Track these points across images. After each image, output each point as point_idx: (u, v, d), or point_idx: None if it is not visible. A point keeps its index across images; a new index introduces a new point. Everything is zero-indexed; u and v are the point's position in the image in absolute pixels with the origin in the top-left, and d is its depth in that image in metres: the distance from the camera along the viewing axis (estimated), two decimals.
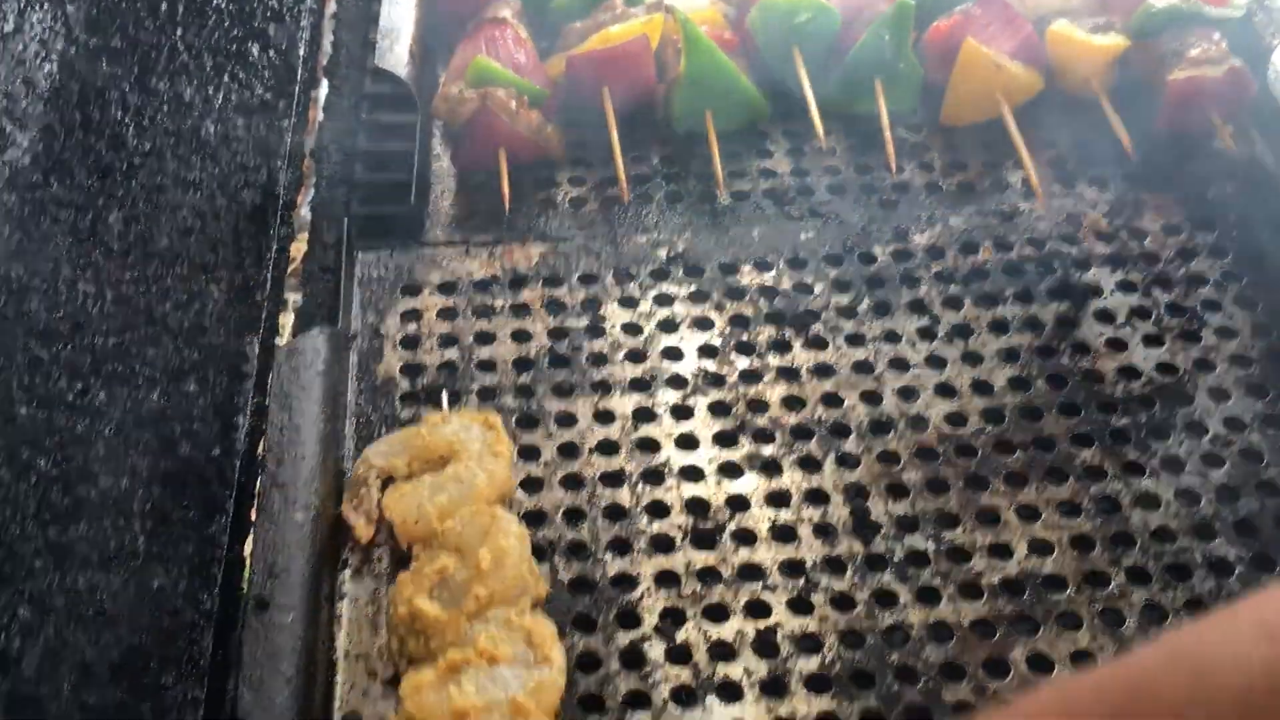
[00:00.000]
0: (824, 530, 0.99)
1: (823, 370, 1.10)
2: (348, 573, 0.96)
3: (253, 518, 0.97)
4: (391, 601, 0.91)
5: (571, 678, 0.91)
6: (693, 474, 1.03)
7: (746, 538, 0.99)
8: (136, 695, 0.88)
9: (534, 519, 0.99)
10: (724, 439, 1.05)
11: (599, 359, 1.11)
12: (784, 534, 0.99)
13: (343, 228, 1.20)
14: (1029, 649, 0.92)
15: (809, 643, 0.93)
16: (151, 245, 1.13)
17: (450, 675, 0.85)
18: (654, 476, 1.03)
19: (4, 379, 1.07)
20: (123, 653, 0.90)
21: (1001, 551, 0.98)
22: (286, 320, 1.20)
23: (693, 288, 1.17)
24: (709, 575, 0.97)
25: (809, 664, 0.92)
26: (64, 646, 0.91)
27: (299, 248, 1.27)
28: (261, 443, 1.01)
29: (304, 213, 1.30)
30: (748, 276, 1.18)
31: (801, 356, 1.11)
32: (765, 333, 1.13)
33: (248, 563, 0.96)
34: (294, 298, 1.22)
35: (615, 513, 1.01)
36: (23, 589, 0.94)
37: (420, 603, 0.88)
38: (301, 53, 1.29)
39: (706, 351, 1.12)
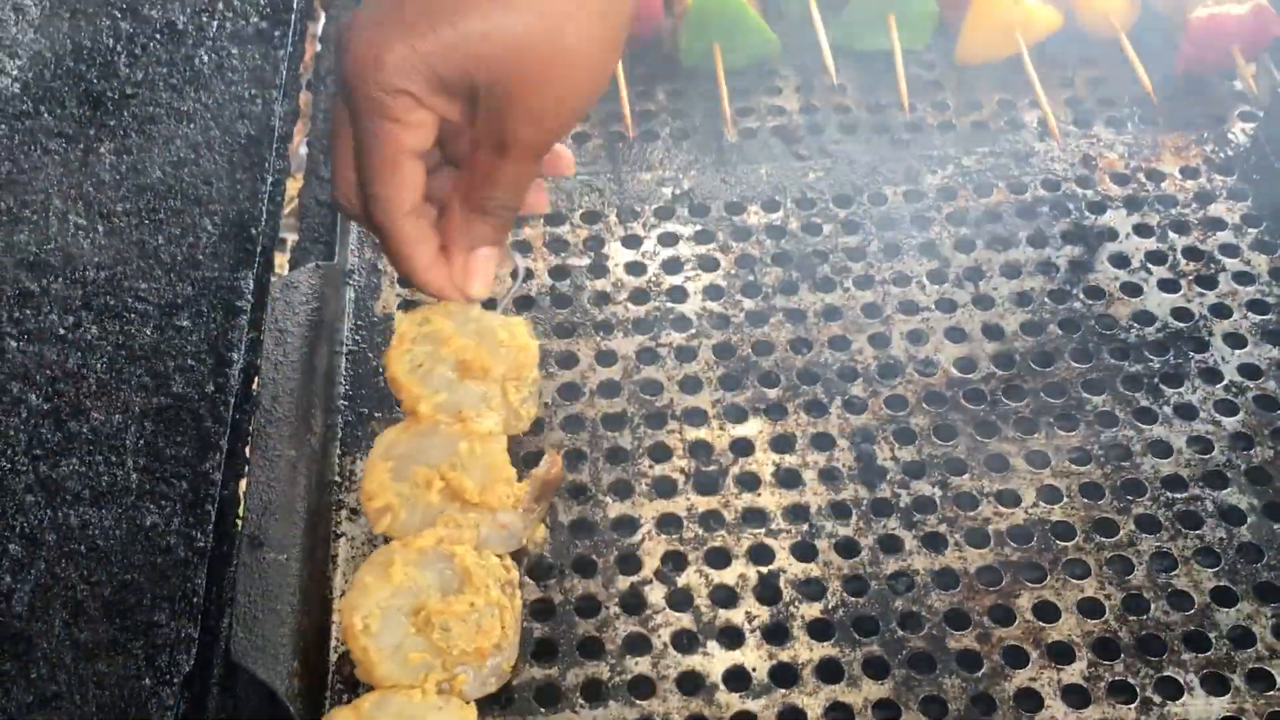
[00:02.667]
0: (829, 475, 0.97)
1: (830, 313, 1.08)
2: (344, 512, 0.94)
3: (247, 455, 0.96)
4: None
5: (570, 621, 0.89)
6: (696, 417, 1.01)
7: (750, 482, 0.97)
8: (129, 632, 0.87)
9: (534, 461, 0.97)
10: (728, 382, 1.03)
11: (601, 299, 1.09)
12: (788, 479, 0.97)
13: None
14: (1035, 597, 0.91)
15: (812, 588, 0.91)
16: (144, 177, 1.11)
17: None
18: (656, 419, 1.01)
19: None
20: (115, 590, 0.89)
21: (1009, 498, 0.96)
22: (283, 257, 1.18)
23: (698, 227, 1.14)
24: (711, 519, 0.95)
25: (812, 610, 0.90)
26: (55, 583, 0.89)
27: (295, 184, 1.24)
28: (256, 379, 0.99)
29: (300, 149, 1.27)
30: (754, 216, 1.15)
31: (808, 299, 1.09)
32: (772, 274, 1.11)
33: (242, 500, 0.94)
34: (291, 236, 1.19)
35: (616, 455, 0.99)
36: (14, 524, 0.93)
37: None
38: None
39: (711, 292, 1.09)
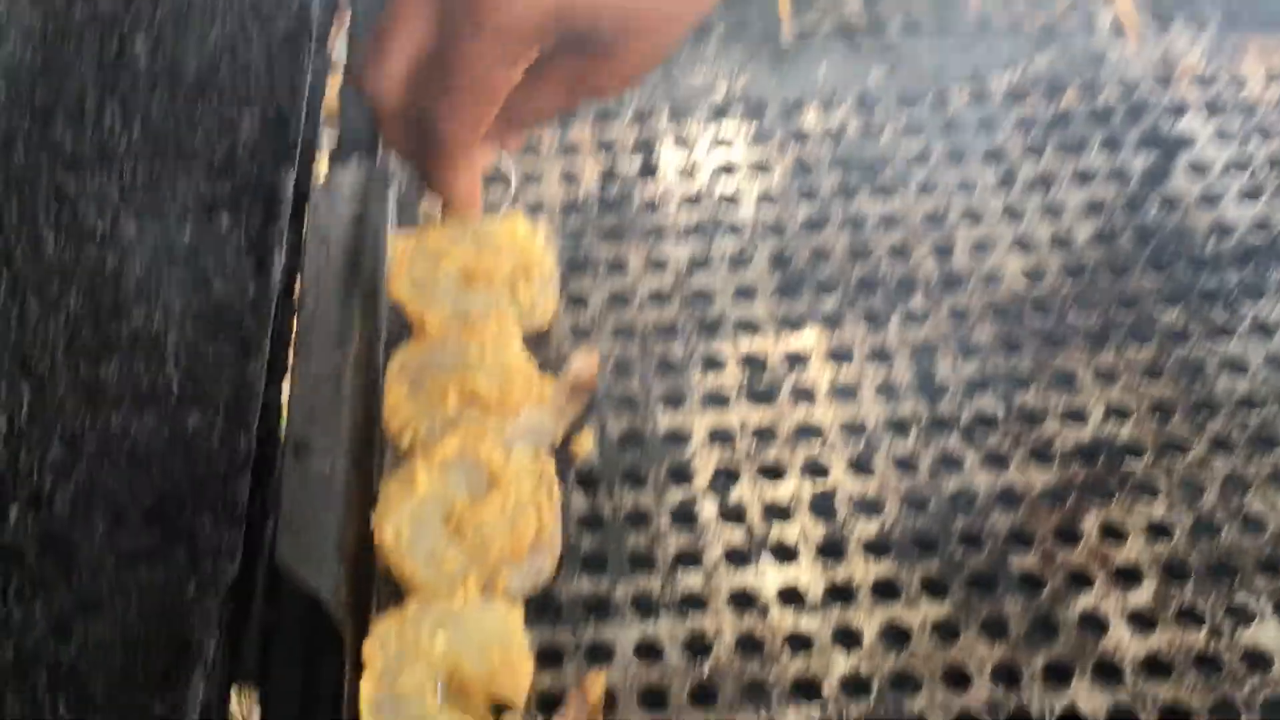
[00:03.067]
0: (887, 390, 0.94)
1: (890, 221, 1.03)
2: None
3: (289, 360, 0.93)
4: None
5: (621, 534, 0.87)
6: (749, 327, 0.98)
7: (805, 395, 0.94)
8: (171, 539, 0.85)
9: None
10: (783, 291, 1.00)
11: (651, 204, 1.05)
12: (845, 393, 0.94)
13: None
14: (1101, 518, 0.88)
15: (869, 506, 0.89)
16: (180, 72, 1.07)
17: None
18: (708, 329, 0.98)
19: (30, 208, 1.02)
20: (156, 495, 0.88)
21: (1076, 416, 0.92)
22: (323, 157, 1.14)
23: (753, 129, 1.09)
24: (765, 433, 0.92)
25: (868, 528, 0.87)
26: (96, 488, 0.88)
27: (335, 82, 1.20)
28: (298, 281, 0.96)
29: (339, 45, 1.22)
30: (812, 118, 1.10)
31: (868, 205, 1.04)
32: (830, 179, 1.06)
33: (285, 406, 0.92)
34: (332, 135, 1.15)
35: (667, 366, 0.96)
36: (54, 428, 0.91)
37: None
38: None
39: (766, 198, 1.05)
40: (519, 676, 0.79)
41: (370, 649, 0.78)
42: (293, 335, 0.93)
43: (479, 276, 0.92)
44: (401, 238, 0.94)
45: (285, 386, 0.93)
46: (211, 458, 0.89)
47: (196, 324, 0.97)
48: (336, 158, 1.08)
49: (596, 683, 0.80)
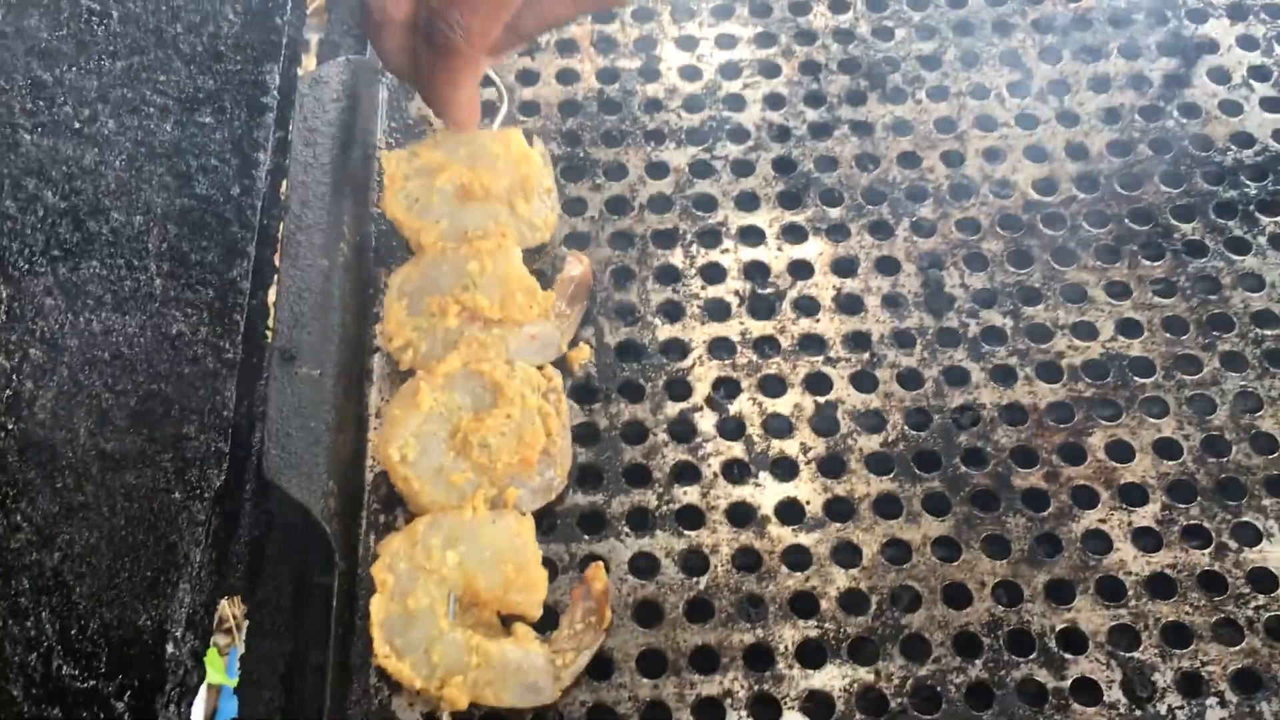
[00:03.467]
0: (893, 301, 0.91)
1: (900, 126, 1.00)
2: (378, 326, 0.89)
3: (276, 263, 0.90)
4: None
5: (616, 448, 0.85)
6: (752, 235, 0.95)
7: (808, 306, 0.91)
8: (157, 444, 0.83)
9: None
10: (788, 199, 0.96)
11: (653, 105, 1.01)
12: (849, 304, 0.91)
13: None
14: (1108, 435, 0.86)
15: (871, 420, 0.87)
16: None
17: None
18: (710, 237, 0.95)
19: (5, 101, 0.98)
20: (141, 399, 0.85)
21: (1085, 331, 0.90)
22: (311, 51, 1.10)
23: (759, 29, 1.05)
24: (766, 345, 0.90)
25: (870, 442, 0.86)
26: (79, 390, 0.85)
27: None
28: (284, 182, 0.93)
29: None
30: (820, 18, 1.06)
31: (877, 110, 1.01)
32: (838, 82, 1.02)
33: (272, 311, 0.89)
34: (319, 29, 1.11)
35: (667, 274, 0.93)
36: (33, 328, 0.88)
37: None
38: None
39: (772, 101, 1.01)
40: (534, 589, 0.77)
41: (379, 569, 0.76)
42: (279, 237, 0.89)
43: (475, 192, 0.90)
44: (394, 154, 0.91)
45: (272, 291, 0.90)
46: (197, 362, 0.87)
47: (180, 224, 0.93)
48: (324, 53, 1.04)
49: (599, 573, 0.79)
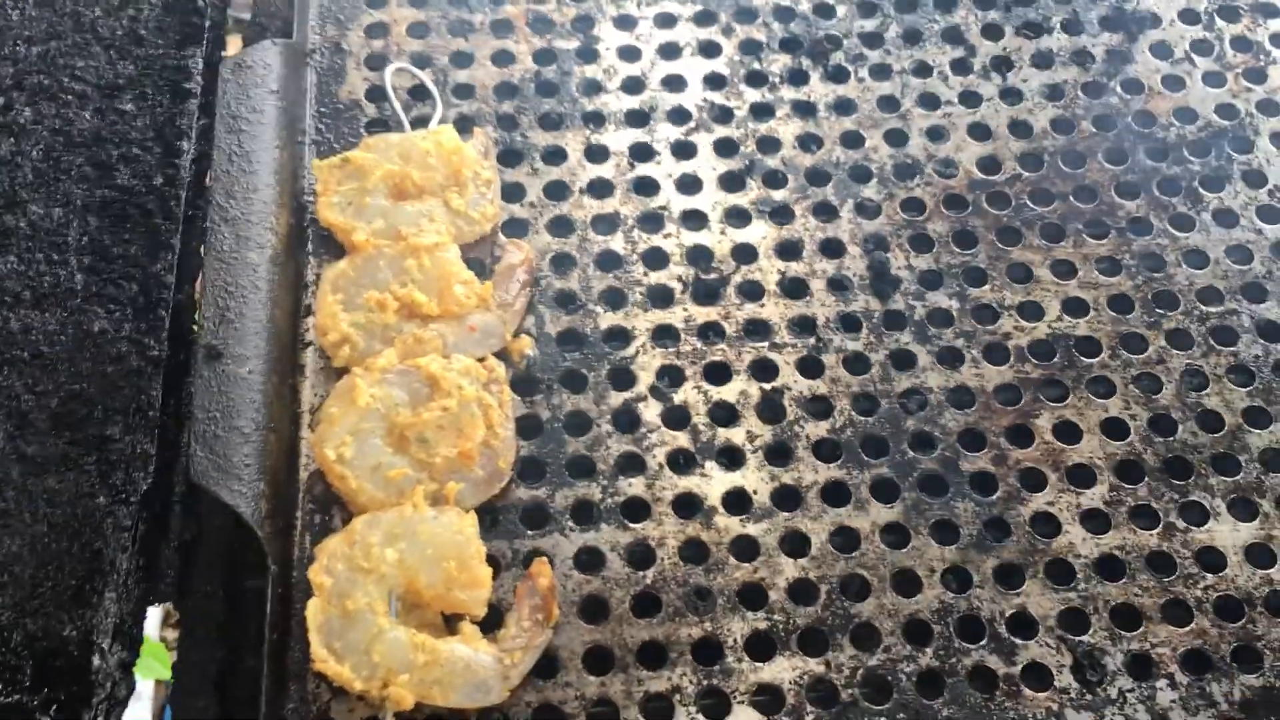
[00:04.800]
0: (838, 285, 0.90)
1: (843, 106, 0.98)
2: (311, 321, 0.86)
3: (202, 256, 0.87)
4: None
5: (559, 440, 0.83)
6: (695, 219, 0.93)
7: (753, 291, 0.90)
8: (79, 447, 0.80)
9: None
10: (730, 181, 0.94)
11: (591, 87, 0.99)
12: (794, 288, 0.90)
13: None
14: (1056, 416, 0.85)
15: (818, 406, 0.85)
16: None
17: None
18: (652, 221, 0.92)
19: None
20: (63, 400, 0.82)
21: (1032, 311, 0.89)
22: (235, 36, 1.06)
23: (698, 7, 1.03)
24: (711, 331, 0.88)
25: (817, 429, 0.84)
26: None
27: None
28: (209, 171, 0.89)
29: None
30: None
31: (819, 89, 0.99)
32: (779, 61, 1.00)
33: (198, 306, 0.86)
34: (243, 13, 1.07)
35: (608, 260, 0.91)
36: None
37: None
38: None
39: (712, 81, 0.99)
40: (478, 586, 0.75)
41: (316, 572, 0.74)
42: (204, 229, 0.86)
43: (409, 190, 0.88)
44: (325, 163, 0.89)
45: (198, 285, 0.87)
46: (120, 360, 0.83)
47: (101, 216, 0.90)
48: (250, 35, 1.00)
49: (544, 569, 0.77)
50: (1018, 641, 0.77)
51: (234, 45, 1.02)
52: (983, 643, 0.77)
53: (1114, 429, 0.85)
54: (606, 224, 0.92)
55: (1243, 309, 0.89)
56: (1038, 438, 0.84)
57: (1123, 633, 0.77)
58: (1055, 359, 0.87)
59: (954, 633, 0.77)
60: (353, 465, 0.78)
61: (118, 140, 0.92)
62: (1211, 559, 0.80)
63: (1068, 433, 0.85)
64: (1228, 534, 0.81)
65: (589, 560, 0.79)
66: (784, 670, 0.76)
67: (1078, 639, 0.77)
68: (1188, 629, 0.78)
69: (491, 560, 0.78)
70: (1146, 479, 0.83)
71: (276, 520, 0.77)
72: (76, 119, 0.93)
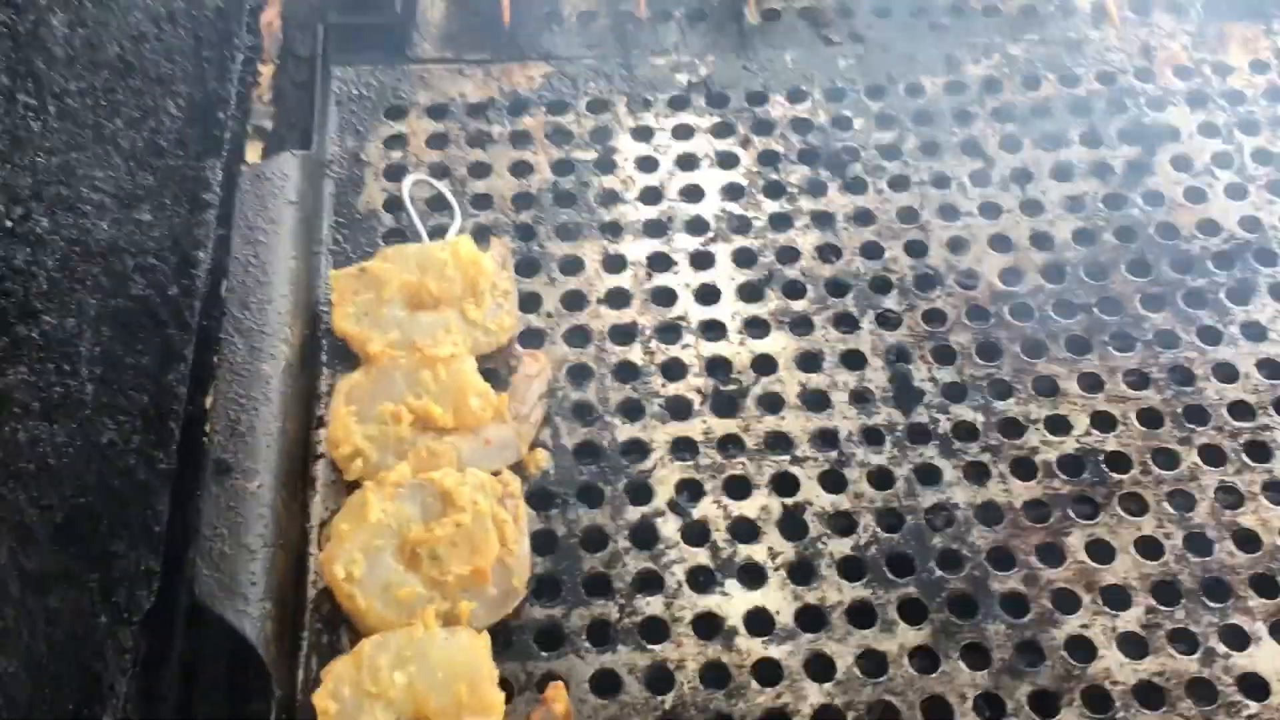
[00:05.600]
0: (860, 397, 0.88)
1: (862, 217, 0.98)
2: (323, 433, 0.84)
3: (215, 366, 0.86)
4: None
5: (576, 555, 0.81)
6: (714, 330, 0.92)
7: (773, 404, 0.88)
8: (83, 563, 0.78)
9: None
10: (749, 292, 0.93)
11: (609, 197, 0.98)
12: (815, 400, 0.88)
13: (317, 39, 1.05)
14: (1087, 534, 0.82)
15: (842, 522, 0.83)
16: (100, 53, 0.99)
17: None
18: (670, 332, 0.91)
19: None
20: (67, 514, 0.80)
21: (1059, 425, 0.87)
22: (256, 146, 1.07)
23: (716, 119, 1.03)
24: (730, 444, 0.86)
25: (841, 546, 0.82)
26: (1, 505, 0.80)
27: (268, 66, 1.13)
28: (224, 282, 0.89)
29: (273, 21, 1.14)
30: (778, 108, 1.04)
31: (838, 200, 0.98)
32: (797, 172, 1.00)
33: (209, 419, 0.85)
34: (264, 123, 1.08)
35: (626, 372, 0.89)
36: None
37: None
38: None
39: (731, 192, 0.99)
40: (490, 711, 0.72)
41: (322, 697, 0.71)
42: (218, 340, 0.85)
43: (425, 301, 0.87)
44: (342, 273, 0.88)
45: (209, 399, 0.85)
46: (128, 473, 0.82)
47: (114, 327, 0.89)
48: (269, 146, 1.01)
49: (559, 694, 0.74)
50: None
51: (254, 153, 1.02)
52: None
53: (1148, 548, 0.82)
54: (624, 334, 0.91)
55: (1275, 424, 0.87)
56: (1069, 556, 0.82)
57: None
58: (1085, 474, 0.85)
59: None
60: (362, 584, 0.75)
61: (134, 250, 0.91)
62: (1254, 686, 0.77)
63: (1101, 551, 0.82)
64: (1270, 659, 0.78)
65: (606, 684, 0.76)
66: None
67: None
68: None
69: (504, 684, 0.75)
70: (1184, 600, 0.80)
71: (282, 641, 0.74)
72: (94, 229, 0.93)
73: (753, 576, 0.80)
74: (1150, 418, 0.88)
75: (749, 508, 0.83)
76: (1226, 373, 0.90)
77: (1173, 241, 0.96)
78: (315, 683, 0.73)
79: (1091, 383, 0.89)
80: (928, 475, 0.85)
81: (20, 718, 0.72)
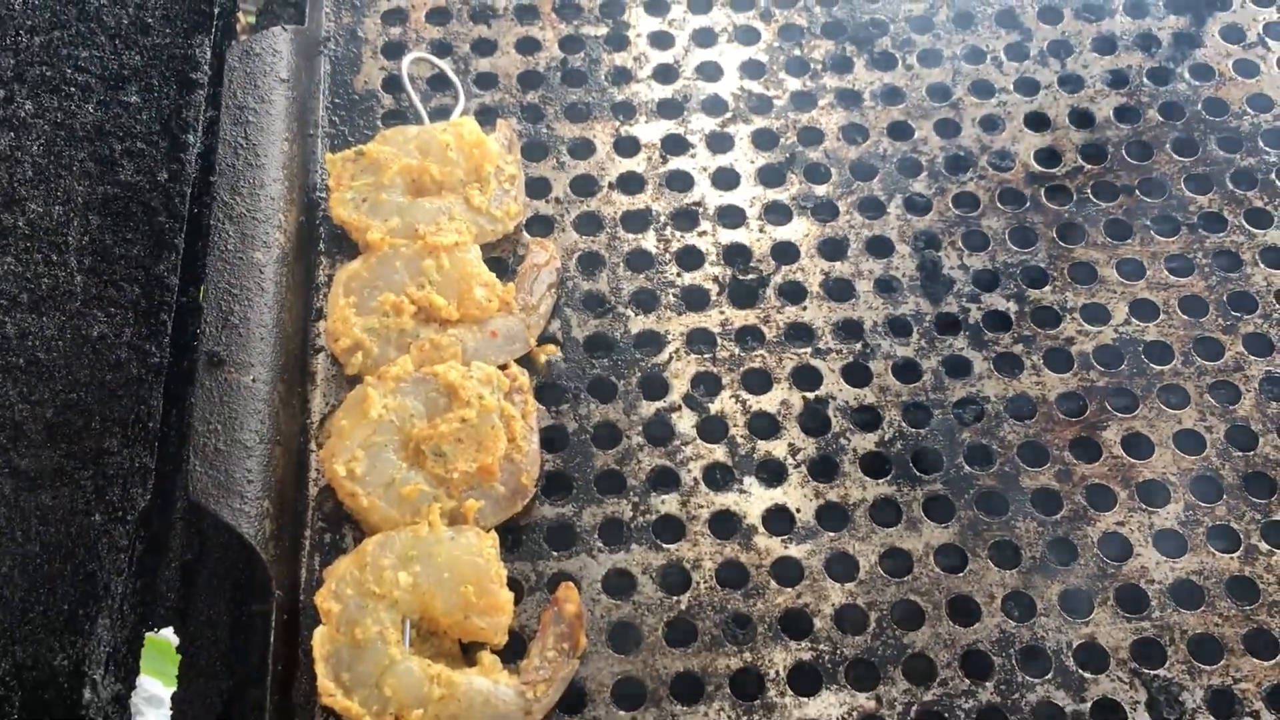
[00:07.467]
0: (886, 286, 0.84)
1: (890, 94, 0.92)
2: (322, 325, 0.81)
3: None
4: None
5: (587, 453, 0.78)
6: (732, 216, 0.87)
7: (794, 293, 0.84)
8: (76, 460, 0.75)
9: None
10: (770, 176, 0.88)
11: (621, 76, 0.93)
12: (839, 290, 0.84)
13: None
14: (1124, 428, 0.78)
15: (865, 417, 0.79)
16: None
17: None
18: (686, 218, 0.87)
19: None
20: (59, 410, 0.77)
21: (1096, 314, 0.83)
22: (246, 21, 1.01)
23: None
24: (749, 336, 0.82)
25: (865, 441, 0.78)
26: None
27: None
28: (216, 166, 0.84)
29: None
30: None
31: (865, 77, 0.93)
32: (821, 47, 0.94)
33: (203, 310, 0.81)
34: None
35: (639, 260, 0.85)
36: None
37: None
38: None
39: (750, 69, 0.93)
40: (498, 612, 0.70)
41: (324, 597, 0.69)
42: (209, 228, 0.81)
43: (427, 186, 0.83)
44: (338, 156, 0.84)
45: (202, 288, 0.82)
46: (120, 368, 0.78)
47: (102, 214, 0.85)
48: (262, 20, 0.95)
49: (570, 594, 0.71)
50: (1087, 675, 0.71)
51: (244, 30, 0.97)
52: (1048, 676, 0.71)
53: (1189, 442, 0.78)
54: (637, 221, 0.86)
55: None
56: (1105, 451, 0.78)
57: (1202, 666, 0.71)
58: (1123, 366, 0.81)
59: (1017, 665, 0.71)
60: (364, 481, 0.72)
61: (121, 134, 0.87)
62: None
63: (1138, 446, 0.78)
64: None
65: (619, 584, 0.74)
66: (831, 706, 0.70)
67: (1153, 673, 0.71)
68: (1273, 662, 0.71)
69: (513, 584, 0.72)
70: (1225, 496, 0.76)
71: (282, 541, 0.72)
72: (79, 112, 0.88)
73: (772, 473, 0.77)
74: (1193, 305, 0.83)
75: (769, 402, 0.79)
76: (1275, 258, 0.85)
77: (1221, 118, 0.90)
78: (317, 583, 0.71)
79: (1132, 269, 0.84)
80: (957, 367, 0.81)
81: (15, 618, 0.70)
